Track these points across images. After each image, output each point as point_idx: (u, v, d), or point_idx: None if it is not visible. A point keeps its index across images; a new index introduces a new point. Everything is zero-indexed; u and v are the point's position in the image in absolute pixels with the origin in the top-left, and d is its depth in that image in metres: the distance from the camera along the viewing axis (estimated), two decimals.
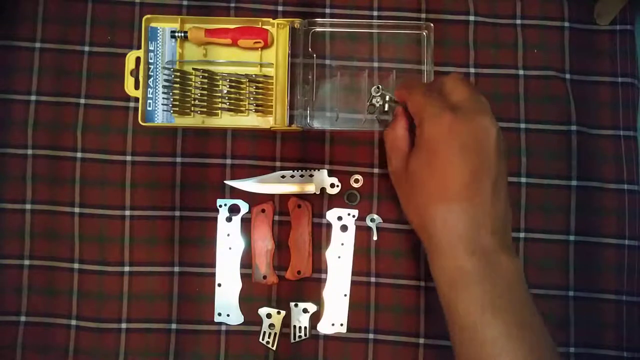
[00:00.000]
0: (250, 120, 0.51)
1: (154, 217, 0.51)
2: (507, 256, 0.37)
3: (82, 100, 0.52)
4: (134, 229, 0.51)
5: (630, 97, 0.53)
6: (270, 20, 0.50)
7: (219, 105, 0.51)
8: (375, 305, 0.51)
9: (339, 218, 0.51)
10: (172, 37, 0.51)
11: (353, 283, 0.51)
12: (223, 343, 0.51)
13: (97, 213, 0.51)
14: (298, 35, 0.51)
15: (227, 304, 0.51)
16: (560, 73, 0.53)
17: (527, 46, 0.53)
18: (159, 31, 0.51)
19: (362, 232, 0.51)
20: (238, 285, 0.51)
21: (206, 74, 0.50)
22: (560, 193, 0.52)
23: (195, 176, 0.52)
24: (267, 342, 0.50)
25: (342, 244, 0.51)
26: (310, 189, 0.51)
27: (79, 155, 0.52)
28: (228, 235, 0.51)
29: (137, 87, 0.50)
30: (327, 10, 0.53)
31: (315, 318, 0.51)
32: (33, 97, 0.52)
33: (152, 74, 0.51)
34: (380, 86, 0.51)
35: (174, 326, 0.51)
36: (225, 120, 0.52)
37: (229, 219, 0.51)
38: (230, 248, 0.51)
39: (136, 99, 0.51)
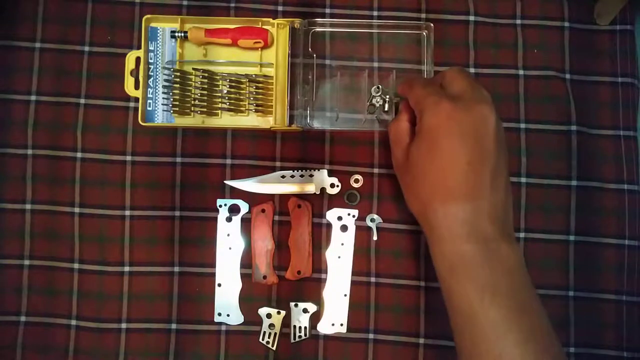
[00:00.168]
0: (250, 120, 0.51)
1: (154, 217, 0.51)
2: (506, 243, 0.37)
3: (82, 100, 0.52)
4: (134, 229, 0.51)
5: (630, 97, 0.53)
6: (270, 20, 0.50)
7: (219, 105, 0.51)
8: (375, 305, 0.51)
9: (339, 218, 0.51)
10: (172, 37, 0.51)
11: (353, 283, 0.51)
12: (223, 343, 0.51)
13: (97, 213, 0.51)
14: (298, 35, 0.51)
15: (227, 304, 0.51)
16: (560, 73, 0.53)
17: (527, 46, 0.53)
18: (159, 31, 0.51)
19: (362, 232, 0.51)
20: (238, 285, 0.51)
21: (206, 74, 0.50)
22: (560, 193, 0.52)
23: (195, 176, 0.52)
24: (267, 342, 0.50)
25: (342, 244, 0.51)
26: (310, 189, 0.51)
27: (79, 155, 0.52)
28: (228, 235, 0.51)
29: (137, 87, 0.50)
30: (327, 10, 0.53)
31: (315, 318, 0.51)
32: (33, 97, 0.52)
33: (152, 74, 0.51)
34: (380, 86, 0.51)
35: (174, 326, 0.51)
36: (225, 120, 0.52)
37: (229, 219, 0.51)
38: (230, 248, 0.51)
39: (136, 99, 0.51)
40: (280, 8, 0.53)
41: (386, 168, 0.52)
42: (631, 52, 0.53)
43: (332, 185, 0.52)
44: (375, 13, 0.54)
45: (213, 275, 0.51)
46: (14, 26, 0.53)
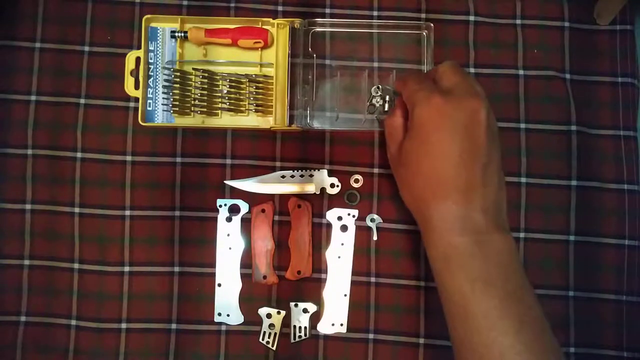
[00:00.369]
0: (250, 120, 0.51)
1: (154, 217, 0.51)
2: (499, 234, 0.37)
3: (82, 100, 0.52)
4: (134, 229, 0.51)
5: (630, 97, 0.53)
6: (270, 20, 0.50)
7: (219, 105, 0.51)
8: (375, 305, 0.51)
9: (339, 218, 0.51)
10: (172, 37, 0.51)
11: (353, 283, 0.51)
12: (223, 343, 0.51)
13: (97, 213, 0.51)
14: (298, 35, 0.51)
15: (227, 304, 0.51)
16: (560, 73, 0.53)
17: (527, 46, 0.53)
18: (159, 31, 0.51)
19: (362, 232, 0.51)
20: (238, 285, 0.51)
21: (206, 74, 0.50)
22: (560, 193, 0.52)
23: (195, 176, 0.52)
24: (267, 342, 0.50)
25: (342, 244, 0.51)
26: (310, 189, 0.51)
27: (79, 155, 0.52)
28: (228, 235, 0.51)
29: (137, 87, 0.50)
30: (327, 10, 0.53)
31: (315, 318, 0.51)
32: (33, 97, 0.52)
33: (152, 74, 0.51)
34: (380, 86, 0.51)
35: (174, 326, 0.51)
36: (225, 120, 0.52)
37: (229, 219, 0.51)
38: (230, 248, 0.51)
39: (136, 99, 0.51)
40: (280, 8, 0.53)
41: (386, 168, 0.52)
42: (631, 52, 0.53)
43: (332, 185, 0.52)
44: (375, 13, 0.54)
45: (213, 275, 0.51)
46: (14, 26, 0.53)
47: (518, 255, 0.38)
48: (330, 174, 0.52)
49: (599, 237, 0.51)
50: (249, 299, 0.51)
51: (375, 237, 0.51)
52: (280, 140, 0.52)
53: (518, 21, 0.53)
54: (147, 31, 0.51)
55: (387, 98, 0.50)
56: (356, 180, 0.52)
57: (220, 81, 0.51)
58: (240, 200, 0.52)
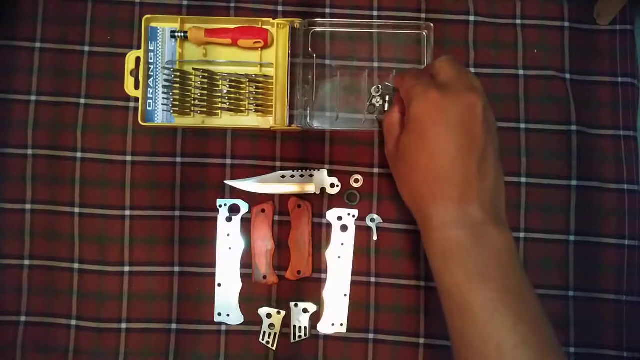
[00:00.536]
0: (250, 120, 0.51)
1: (154, 217, 0.51)
2: (496, 228, 0.37)
3: (82, 100, 0.52)
4: (134, 229, 0.51)
5: (630, 97, 0.53)
6: (270, 20, 0.50)
7: (219, 105, 0.51)
8: (375, 305, 0.51)
9: (339, 218, 0.51)
10: (172, 37, 0.51)
11: (353, 283, 0.51)
12: (223, 343, 0.51)
13: (97, 213, 0.51)
14: (298, 35, 0.51)
15: (227, 304, 0.51)
16: (560, 73, 0.53)
17: (527, 46, 0.53)
18: (159, 31, 0.51)
19: (362, 232, 0.51)
20: (238, 285, 0.51)
21: (206, 74, 0.50)
22: (560, 193, 0.52)
23: (195, 176, 0.52)
24: (267, 342, 0.50)
25: (342, 244, 0.51)
26: (310, 189, 0.51)
27: (79, 155, 0.52)
28: (228, 235, 0.51)
29: (137, 87, 0.50)
30: (327, 10, 0.53)
31: (315, 318, 0.51)
32: (33, 97, 0.52)
33: (152, 74, 0.51)
34: (380, 86, 0.51)
35: (174, 326, 0.51)
36: (225, 120, 0.52)
37: (229, 219, 0.51)
38: (230, 248, 0.51)
39: (136, 99, 0.51)
40: (280, 8, 0.53)
41: (386, 168, 0.52)
42: (631, 52, 0.53)
43: (332, 185, 0.52)
44: (375, 13, 0.54)
45: (213, 275, 0.51)
46: (14, 26, 0.53)
47: (517, 252, 0.38)
48: (330, 174, 0.52)
49: (599, 237, 0.51)
50: (249, 299, 0.51)
51: (375, 237, 0.51)
52: (280, 140, 0.52)
53: (518, 21, 0.53)
54: (147, 31, 0.51)
55: (387, 98, 0.50)
56: (356, 180, 0.52)
57: (220, 81, 0.51)
58: (240, 200, 0.52)
